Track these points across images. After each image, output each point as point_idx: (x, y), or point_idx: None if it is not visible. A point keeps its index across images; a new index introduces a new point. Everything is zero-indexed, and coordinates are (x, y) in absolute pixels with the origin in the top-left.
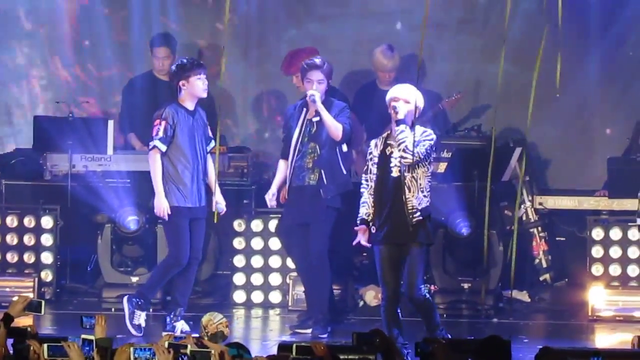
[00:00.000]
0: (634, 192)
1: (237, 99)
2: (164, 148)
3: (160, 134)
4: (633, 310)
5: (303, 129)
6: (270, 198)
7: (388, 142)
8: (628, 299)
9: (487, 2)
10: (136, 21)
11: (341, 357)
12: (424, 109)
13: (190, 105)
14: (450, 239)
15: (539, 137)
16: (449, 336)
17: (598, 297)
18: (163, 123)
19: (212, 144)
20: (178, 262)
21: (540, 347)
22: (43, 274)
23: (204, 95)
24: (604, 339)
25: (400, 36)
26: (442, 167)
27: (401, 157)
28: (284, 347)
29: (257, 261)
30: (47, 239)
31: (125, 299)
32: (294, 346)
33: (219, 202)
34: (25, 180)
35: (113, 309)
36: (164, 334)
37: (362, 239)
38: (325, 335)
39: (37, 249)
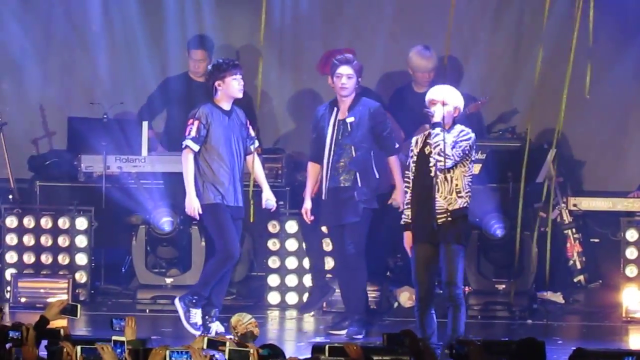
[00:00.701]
0: None
1: (273, 100)
2: (196, 148)
3: (193, 133)
4: None
5: (336, 130)
6: (306, 213)
7: (427, 141)
8: None
9: (521, 1)
10: (171, 21)
11: (374, 358)
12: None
13: (226, 105)
14: (485, 240)
15: (573, 138)
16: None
17: (632, 299)
18: (196, 123)
19: (256, 143)
20: (229, 254)
21: (574, 348)
22: (77, 276)
23: (240, 95)
24: (637, 341)
25: (434, 38)
26: (476, 168)
27: (436, 160)
28: (317, 348)
29: (291, 262)
30: (81, 241)
31: (176, 300)
32: (327, 347)
33: (269, 199)
34: (59, 182)
35: (147, 310)
36: (197, 335)
37: (407, 244)
38: (360, 336)
39: (72, 250)
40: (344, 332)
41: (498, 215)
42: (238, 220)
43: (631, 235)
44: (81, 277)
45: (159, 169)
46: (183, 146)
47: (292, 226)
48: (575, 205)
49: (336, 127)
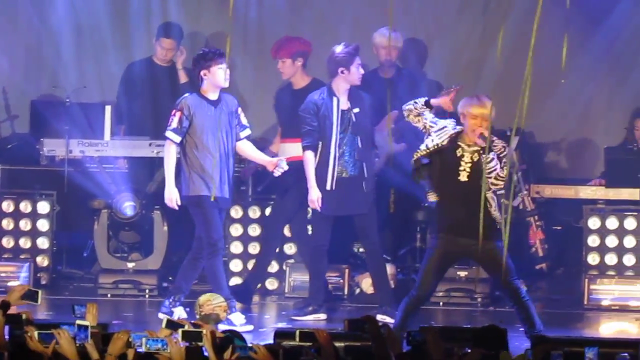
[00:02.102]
0: (630, 182)
1: (239, 86)
2: (177, 139)
3: (174, 124)
4: (629, 300)
5: (341, 120)
6: (316, 200)
7: (459, 143)
8: (624, 288)
9: None
10: (137, 6)
11: (336, 344)
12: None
13: (212, 95)
14: None
15: (537, 125)
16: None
17: (594, 286)
18: (178, 114)
19: (247, 131)
20: (214, 248)
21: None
22: (39, 259)
23: (226, 84)
24: (599, 328)
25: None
26: None
27: (492, 183)
28: (280, 334)
29: (254, 248)
30: (43, 224)
31: (160, 315)
32: (297, 332)
33: (281, 160)
34: (21, 165)
35: (109, 295)
36: (163, 321)
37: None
38: (324, 317)
39: (34, 234)
40: (307, 317)
41: None
42: (222, 210)
43: (593, 222)
44: (43, 261)
45: (122, 153)
46: (166, 137)
47: (255, 211)
48: (537, 192)
49: (341, 118)
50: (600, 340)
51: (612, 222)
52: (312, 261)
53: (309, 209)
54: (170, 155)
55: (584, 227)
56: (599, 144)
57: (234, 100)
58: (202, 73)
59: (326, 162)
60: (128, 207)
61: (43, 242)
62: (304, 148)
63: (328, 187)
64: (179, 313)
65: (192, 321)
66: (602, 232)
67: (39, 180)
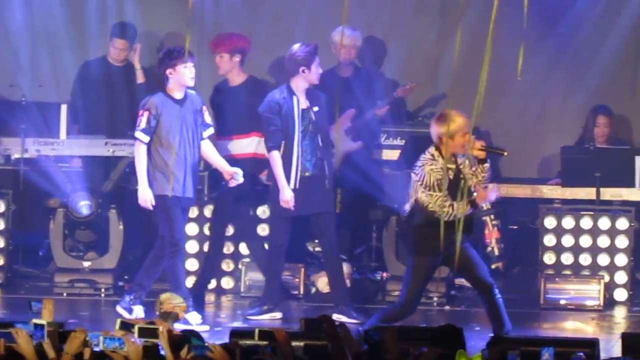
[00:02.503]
0: (586, 181)
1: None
2: (146, 139)
3: (143, 125)
4: (584, 299)
5: (301, 119)
6: (290, 200)
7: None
8: (579, 287)
9: None
10: (92, 5)
11: (293, 343)
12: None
13: (178, 94)
14: (403, 226)
15: (493, 124)
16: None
17: (550, 286)
18: (146, 114)
19: (210, 130)
20: (175, 247)
21: (492, 335)
22: None
23: (192, 83)
24: (555, 328)
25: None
26: (395, 154)
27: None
28: (236, 333)
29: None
30: None
31: (118, 307)
32: (257, 330)
33: (237, 172)
34: None
35: (65, 294)
36: (117, 322)
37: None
38: (280, 316)
39: None
40: (262, 317)
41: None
42: (187, 210)
43: (549, 222)
44: None
45: (78, 152)
46: (134, 138)
47: (210, 210)
48: None
49: (301, 116)
50: (556, 340)
51: (568, 222)
52: (270, 261)
53: (265, 208)
54: (141, 155)
55: (540, 226)
56: (556, 142)
57: (198, 99)
58: (167, 72)
59: (289, 162)
60: (84, 206)
61: None
62: (270, 148)
63: (292, 187)
64: (138, 312)
65: (149, 320)
66: (558, 231)
67: None
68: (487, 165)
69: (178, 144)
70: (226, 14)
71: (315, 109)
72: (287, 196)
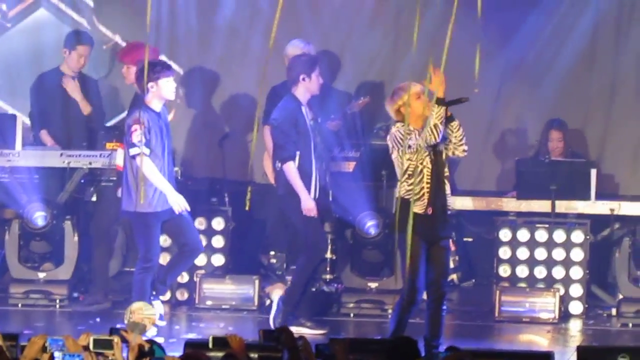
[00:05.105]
0: (542, 194)
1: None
2: (147, 150)
3: (139, 138)
4: (540, 312)
5: (312, 130)
6: (313, 209)
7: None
8: (534, 300)
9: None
10: (47, 14)
11: (250, 355)
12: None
13: (157, 106)
14: (358, 238)
15: None
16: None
17: (505, 298)
18: (139, 127)
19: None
20: (150, 263)
21: (447, 346)
22: None
23: (172, 97)
24: (510, 340)
25: (309, 35)
26: (350, 166)
27: (463, 150)
28: (190, 344)
29: (164, 259)
30: None
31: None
32: (211, 337)
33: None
34: None
35: (20, 305)
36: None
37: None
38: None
39: None
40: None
41: (371, 214)
42: (165, 222)
43: (504, 234)
44: None
45: (33, 163)
46: (136, 153)
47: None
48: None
49: (312, 128)
50: (511, 353)
51: (523, 234)
52: (309, 264)
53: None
54: (150, 167)
55: (495, 238)
56: (512, 155)
57: (166, 110)
58: (149, 85)
59: (308, 173)
60: (39, 217)
61: None
62: (286, 159)
63: (312, 196)
64: (158, 307)
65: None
66: (513, 244)
67: None
68: (455, 122)
69: (159, 157)
70: (182, 26)
71: (319, 120)
72: (310, 205)
